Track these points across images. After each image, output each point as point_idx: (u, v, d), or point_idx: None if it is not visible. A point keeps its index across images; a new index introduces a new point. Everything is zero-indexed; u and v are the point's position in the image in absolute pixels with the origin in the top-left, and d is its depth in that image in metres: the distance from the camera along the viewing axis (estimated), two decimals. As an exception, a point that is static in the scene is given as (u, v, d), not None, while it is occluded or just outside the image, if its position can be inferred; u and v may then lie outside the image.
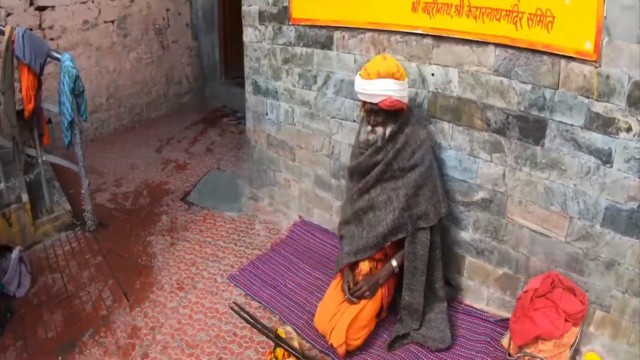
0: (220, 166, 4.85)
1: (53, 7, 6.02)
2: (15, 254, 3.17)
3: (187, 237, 3.59)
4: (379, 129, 2.43)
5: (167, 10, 7.03)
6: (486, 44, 2.29)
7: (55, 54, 3.62)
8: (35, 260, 3.42)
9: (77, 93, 3.52)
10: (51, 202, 3.88)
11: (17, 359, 2.58)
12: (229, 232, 3.64)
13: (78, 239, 3.69)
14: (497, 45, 2.25)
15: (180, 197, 4.23)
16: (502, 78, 2.28)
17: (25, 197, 3.65)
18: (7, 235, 3.48)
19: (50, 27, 5.96)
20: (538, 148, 2.23)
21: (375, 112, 2.39)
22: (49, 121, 3.93)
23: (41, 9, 5.93)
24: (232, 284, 3.04)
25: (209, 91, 7.51)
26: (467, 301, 2.76)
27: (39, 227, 3.70)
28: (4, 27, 3.43)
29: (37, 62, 3.46)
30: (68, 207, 3.91)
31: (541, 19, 2.04)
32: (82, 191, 3.79)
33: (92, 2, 6.30)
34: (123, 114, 6.57)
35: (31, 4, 5.91)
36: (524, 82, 2.21)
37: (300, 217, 3.74)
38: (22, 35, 3.37)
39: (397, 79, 2.30)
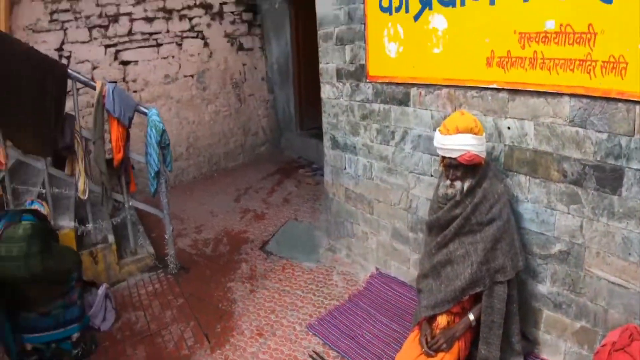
0: (298, 217, 5.25)
1: (136, 61, 6.89)
2: (102, 290, 3.66)
3: (266, 285, 3.94)
4: (458, 183, 2.62)
5: (244, 64, 7.79)
6: (560, 95, 2.47)
7: (143, 109, 4.21)
8: (119, 298, 3.91)
9: (163, 145, 4.08)
10: (135, 244, 4.43)
11: (100, 389, 2.99)
12: (307, 282, 3.96)
13: (160, 281, 4.17)
14: (571, 95, 2.42)
15: (259, 246, 4.65)
16: (577, 128, 2.44)
17: (111, 238, 4.23)
18: (93, 272, 4.04)
19: (134, 81, 6.78)
20: (615, 197, 2.34)
21: (454, 167, 2.59)
22: (132, 166, 4.50)
23: (125, 63, 6.81)
24: (311, 333, 3.32)
25: (285, 142, 8.06)
26: (544, 355, 2.83)
27: (123, 266, 4.25)
28: (95, 82, 4.04)
29: (126, 116, 4.05)
30: (151, 250, 4.46)
31: (614, 65, 2.19)
32: (166, 236, 4.30)
33: (173, 57, 7.13)
34: (202, 163, 7.27)
35: (116, 58, 6.77)
36: (599, 131, 2.35)
37: (377, 269, 3.99)
38: (112, 91, 3.97)
39: (475, 133, 2.50)
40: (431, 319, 2.75)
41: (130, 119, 4.11)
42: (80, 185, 3.97)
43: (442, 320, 2.71)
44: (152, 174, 4.08)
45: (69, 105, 4.02)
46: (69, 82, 3.97)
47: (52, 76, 3.85)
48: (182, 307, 3.74)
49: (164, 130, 4.03)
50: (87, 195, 4.02)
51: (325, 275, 4.05)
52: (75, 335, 3.22)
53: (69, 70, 4.01)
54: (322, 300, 3.71)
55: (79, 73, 4.12)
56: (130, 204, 4.34)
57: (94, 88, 4.05)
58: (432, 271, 2.77)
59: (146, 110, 4.18)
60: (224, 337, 3.34)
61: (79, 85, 4.08)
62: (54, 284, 3.11)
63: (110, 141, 4.05)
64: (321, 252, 4.43)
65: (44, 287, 3.08)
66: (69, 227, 3.97)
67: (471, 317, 2.65)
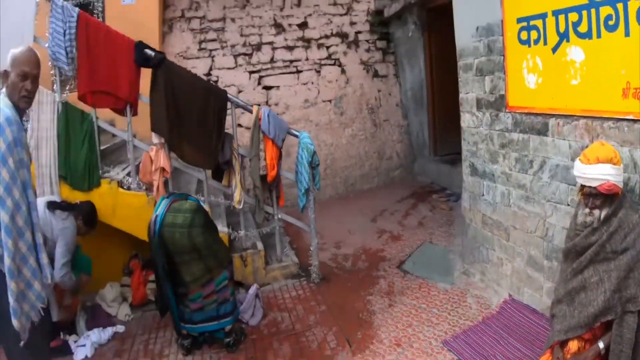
0: (433, 240, 5.66)
1: (278, 87, 7.76)
2: (252, 289, 4.38)
3: (403, 301, 4.38)
4: (596, 212, 2.80)
5: (379, 91, 8.44)
6: (694, 125, 2.58)
7: (294, 131, 4.94)
8: (265, 299, 4.57)
9: (313, 166, 4.71)
10: (281, 252, 5.14)
11: (250, 375, 3.66)
12: (443, 302, 4.32)
13: (303, 288, 4.82)
14: None
15: (396, 265, 5.13)
16: None
17: (260, 245, 4.98)
18: (242, 274, 4.78)
19: (276, 104, 7.62)
20: None
21: (594, 196, 2.77)
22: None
23: (268, 88, 7.71)
24: (446, 349, 3.67)
25: (418, 167, 8.51)
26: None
27: (269, 271, 4.96)
28: (252, 107, 4.80)
29: (280, 138, 4.77)
30: (295, 259, 5.16)
31: None
32: (311, 248, 4.96)
33: (312, 83, 7.92)
34: (338, 184, 8.01)
35: (259, 83, 7.65)
36: None
37: (510, 295, 4.21)
38: (268, 115, 4.71)
39: (614, 164, 2.69)
40: (563, 344, 2.90)
41: (283, 140, 4.83)
42: (237, 196, 4.77)
43: (573, 346, 2.86)
44: (302, 191, 4.78)
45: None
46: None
47: (215, 100, 4.73)
48: (324, 313, 4.31)
49: (314, 152, 4.69)
50: (242, 205, 4.78)
51: (460, 297, 4.38)
52: (228, 327, 3.92)
53: (228, 95, 4.83)
54: (456, 319, 4.04)
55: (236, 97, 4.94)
56: (280, 216, 5.06)
57: (250, 111, 4.85)
58: (566, 297, 2.95)
59: (297, 133, 4.90)
60: (364, 343, 3.80)
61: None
62: (208, 264, 3.79)
63: (264, 159, 4.78)
64: (456, 275, 4.77)
65: (199, 273, 3.78)
66: (223, 232, 4.71)
67: (601, 345, 2.74)
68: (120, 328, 4.42)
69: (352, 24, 8.35)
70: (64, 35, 4.44)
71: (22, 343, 2.66)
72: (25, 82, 2.71)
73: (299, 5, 8.11)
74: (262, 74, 7.90)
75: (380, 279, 4.86)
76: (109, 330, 4.35)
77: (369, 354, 3.69)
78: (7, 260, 2.52)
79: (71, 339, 4.17)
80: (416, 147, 8.57)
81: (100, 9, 7.36)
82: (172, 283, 3.82)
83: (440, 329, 3.93)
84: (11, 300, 2.53)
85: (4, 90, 2.72)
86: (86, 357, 4.02)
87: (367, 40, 8.44)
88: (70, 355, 4.01)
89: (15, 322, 2.55)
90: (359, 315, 4.23)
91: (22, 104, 2.74)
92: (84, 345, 4.11)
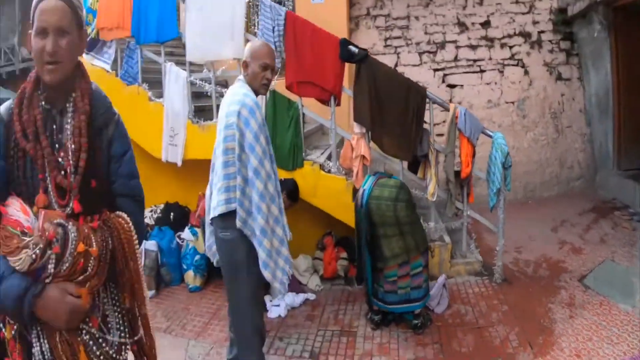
0: (615, 259, 5.62)
1: (462, 85, 7.98)
2: (441, 279, 4.73)
3: (584, 315, 4.48)
4: None
5: (562, 95, 8.29)
6: None
7: (489, 132, 5.17)
8: (448, 291, 4.85)
9: (506, 166, 4.91)
10: (467, 249, 5.43)
11: (435, 356, 3.99)
12: (623, 323, 4.34)
13: (485, 286, 5.08)
14: None
15: (577, 278, 5.20)
16: None
17: (447, 238, 5.30)
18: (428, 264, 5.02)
19: (459, 103, 7.85)
20: None
21: None
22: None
23: (452, 86, 7.97)
24: (625, 370, 3.76)
25: (600, 180, 8.20)
26: None
27: (453, 265, 5.27)
28: (449, 105, 5.14)
29: (475, 136, 5.02)
30: (479, 257, 5.41)
31: None
32: (497, 248, 5.18)
33: (495, 84, 8.04)
34: (517, 189, 8.03)
35: (443, 81, 7.92)
36: None
37: None
38: (464, 113, 4.99)
39: None
40: None
41: (477, 139, 5.09)
42: (431, 188, 5.12)
43: None
44: (494, 191, 5.01)
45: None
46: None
47: (414, 95, 5.08)
48: (506, 313, 4.54)
49: (507, 153, 4.89)
50: (435, 198, 5.13)
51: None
52: (418, 310, 4.30)
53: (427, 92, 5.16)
54: (636, 342, 4.05)
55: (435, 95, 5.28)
56: (469, 213, 5.35)
57: (447, 109, 5.18)
58: None
59: (491, 134, 5.14)
60: (545, 349, 3.99)
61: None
62: (407, 243, 4.18)
63: (458, 155, 5.08)
64: (638, 298, 4.71)
65: (398, 251, 4.17)
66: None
67: None
68: (311, 296, 5.02)
69: (535, 23, 8.27)
70: (273, 31, 5.05)
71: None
72: (265, 72, 3.21)
73: (481, 3, 8.22)
74: (446, 72, 8.15)
75: (561, 289, 4.97)
76: (301, 296, 4.96)
77: (550, 359, 3.88)
78: (261, 222, 3.02)
79: (267, 298, 4.79)
80: (598, 158, 8.26)
81: (290, 7, 8.09)
82: (372, 257, 4.25)
83: (619, 349, 3.98)
84: (263, 255, 3.04)
85: (241, 77, 3.26)
86: (279, 316, 4.65)
87: (550, 41, 8.30)
88: (265, 312, 4.57)
89: (266, 274, 3.06)
90: (541, 320, 4.40)
91: (262, 90, 3.29)
92: (278, 305, 4.74)
